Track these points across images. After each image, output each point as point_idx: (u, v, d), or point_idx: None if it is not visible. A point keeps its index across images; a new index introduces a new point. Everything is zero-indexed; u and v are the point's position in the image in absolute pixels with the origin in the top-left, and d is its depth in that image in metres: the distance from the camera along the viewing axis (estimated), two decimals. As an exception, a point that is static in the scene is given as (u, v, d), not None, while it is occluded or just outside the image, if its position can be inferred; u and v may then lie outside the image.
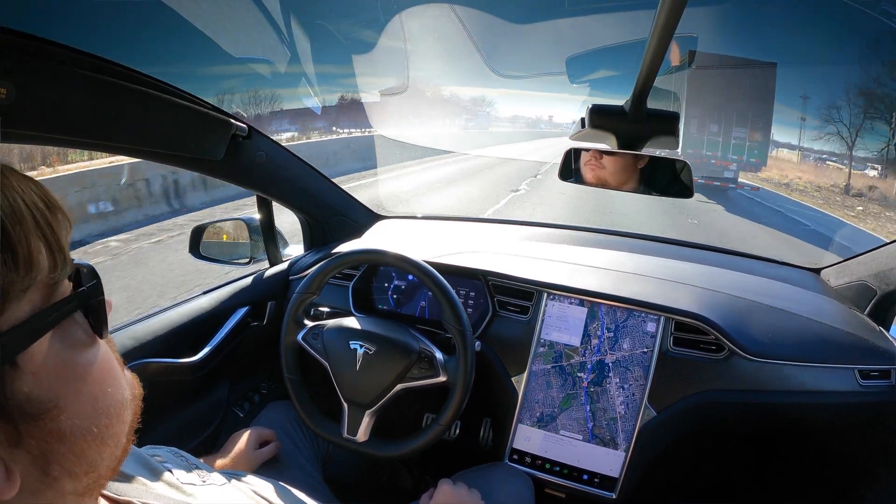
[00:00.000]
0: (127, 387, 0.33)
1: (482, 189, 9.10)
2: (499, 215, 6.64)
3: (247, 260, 1.25)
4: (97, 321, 0.30)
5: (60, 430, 0.27)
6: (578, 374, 1.03)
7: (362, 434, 0.89)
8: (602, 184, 0.82)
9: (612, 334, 1.03)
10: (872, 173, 12.93)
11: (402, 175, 10.11)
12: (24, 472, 0.26)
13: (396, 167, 10.78)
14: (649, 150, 0.75)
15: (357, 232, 1.42)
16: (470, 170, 11.72)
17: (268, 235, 1.23)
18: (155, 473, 0.42)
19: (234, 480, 0.50)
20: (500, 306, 1.11)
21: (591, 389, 1.02)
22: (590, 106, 0.72)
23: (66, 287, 0.28)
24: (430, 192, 8.65)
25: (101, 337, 0.30)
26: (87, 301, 0.29)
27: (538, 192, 8.68)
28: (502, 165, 12.99)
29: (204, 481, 0.45)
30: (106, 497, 0.35)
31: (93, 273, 0.30)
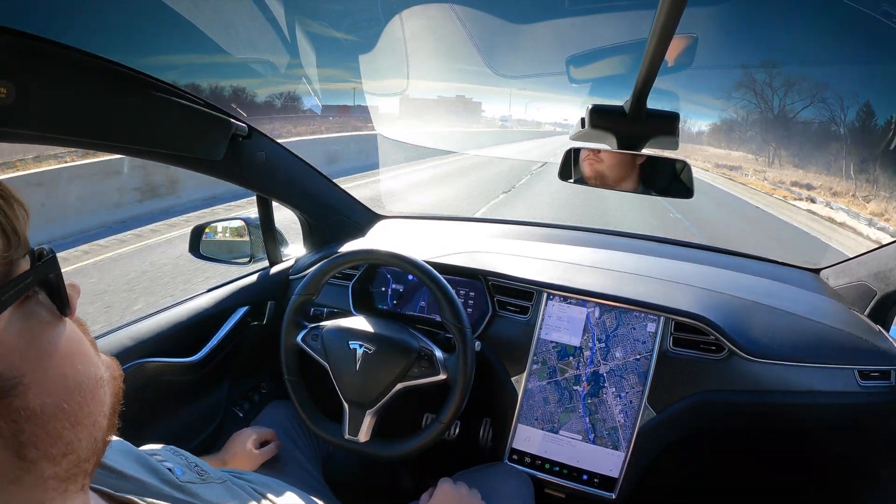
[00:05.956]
0: (103, 366, 0.33)
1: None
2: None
3: (247, 259, 1.25)
4: (60, 300, 0.30)
5: (29, 407, 0.27)
6: (574, 388, 1.03)
7: (364, 434, 0.89)
8: (601, 181, 0.82)
9: (603, 344, 1.03)
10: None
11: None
12: None
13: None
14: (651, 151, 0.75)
15: (357, 232, 1.42)
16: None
17: (268, 235, 1.23)
18: (154, 472, 0.42)
19: (234, 479, 0.50)
20: (499, 306, 1.11)
21: (589, 401, 1.02)
22: (590, 106, 0.73)
23: (25, 268, 0.29)
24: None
25: (65, 315, 0.30)
26: (45, 276, 0.29)
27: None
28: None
29: (204, 480, 0.45)
30: (104, 494, 0.35)
31: (50, 251, 0.31)
